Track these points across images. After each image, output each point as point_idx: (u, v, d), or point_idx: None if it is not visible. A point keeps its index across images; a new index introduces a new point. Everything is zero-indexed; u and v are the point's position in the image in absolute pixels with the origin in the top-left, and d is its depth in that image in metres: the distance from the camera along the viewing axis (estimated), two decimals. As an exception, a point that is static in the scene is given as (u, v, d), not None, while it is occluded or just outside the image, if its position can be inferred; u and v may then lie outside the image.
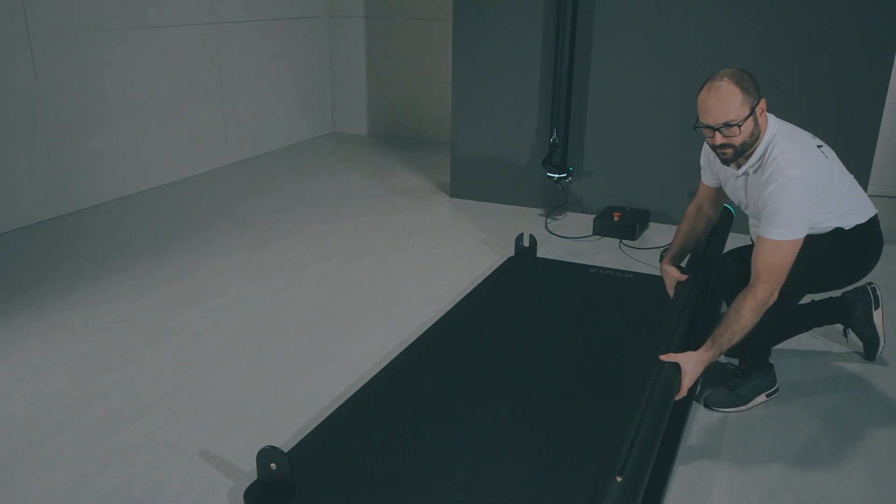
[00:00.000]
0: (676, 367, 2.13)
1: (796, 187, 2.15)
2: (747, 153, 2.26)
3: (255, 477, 1.97)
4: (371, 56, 6.38)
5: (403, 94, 6.35)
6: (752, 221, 2.48)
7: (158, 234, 3.97)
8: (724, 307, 2.78)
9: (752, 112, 2.17)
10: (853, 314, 2.72)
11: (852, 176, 2.39)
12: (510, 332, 2.88)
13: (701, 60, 3.90)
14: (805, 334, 2.89)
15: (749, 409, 2.45)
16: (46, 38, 3.98)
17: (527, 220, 4.30)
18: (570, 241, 3.98)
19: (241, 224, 4.17)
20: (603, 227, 4.04)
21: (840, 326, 2.86)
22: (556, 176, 4.25)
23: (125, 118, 4.53)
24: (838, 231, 2.35)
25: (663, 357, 2.16)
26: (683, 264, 2.79)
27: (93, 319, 2.99)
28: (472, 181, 4.65)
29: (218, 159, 5.37)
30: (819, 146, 2.28)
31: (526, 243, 3.61)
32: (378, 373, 2.54)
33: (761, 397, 2.50)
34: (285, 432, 2.26)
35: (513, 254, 3.66)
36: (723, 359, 2.56)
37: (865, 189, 3.82)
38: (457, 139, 4.62)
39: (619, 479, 1.63)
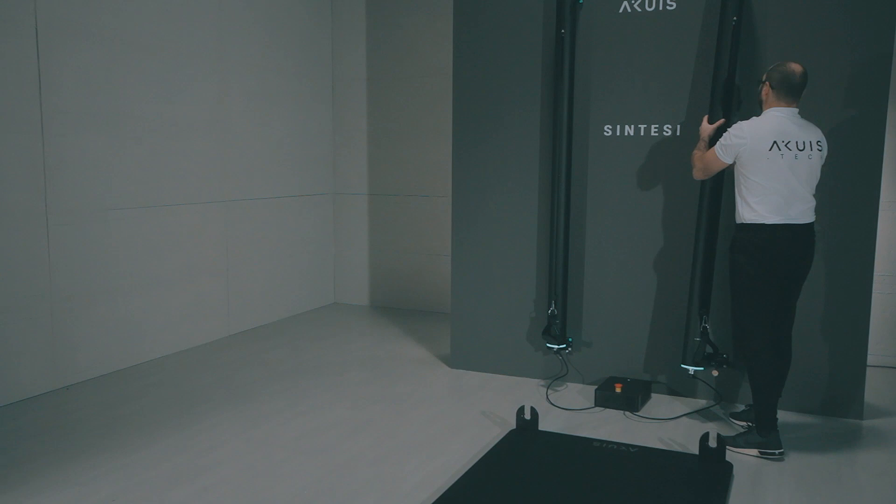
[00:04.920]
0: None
1: (736, 130, 3.33)
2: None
3: None
4: (373, 230, 6.62)
5: (404, 266, 6.52)
6: None
7: (154, 408, 3.92)
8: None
9: (760, 88, 3.42)
10: None
11: (803, 195, 3.30)
12: (513, 511, 2.77)
13: (690, 232, 4.06)
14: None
15: (740, 453, 3.35)
16: (63, 216, 4.16)
17: (527, 392, 4.26)
18: (572, 412, 3.93)
19: (240, 396, 4.13)
20: (604, 398, 4.00)
21: None
22: (556, 347, 4.27)
23: (131, 290, 4.63)
24: (738, 228, 3.41)
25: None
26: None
27: (81, 500, 2.88)
28: (472, 352, 4.66)
29: (220, 330, 5.42)
30: (786, 142, 3.25)
31: (527, 416, 3.56)
32: (376, 556, 2.43)
33: (753, 450, 3.35)
34: None
35: (514, 426, 3.60)
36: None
37: (865, 359, 3.84)
38: (457, 310, 4.69)
39: None
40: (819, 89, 3.77)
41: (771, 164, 3.26)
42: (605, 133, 4.23)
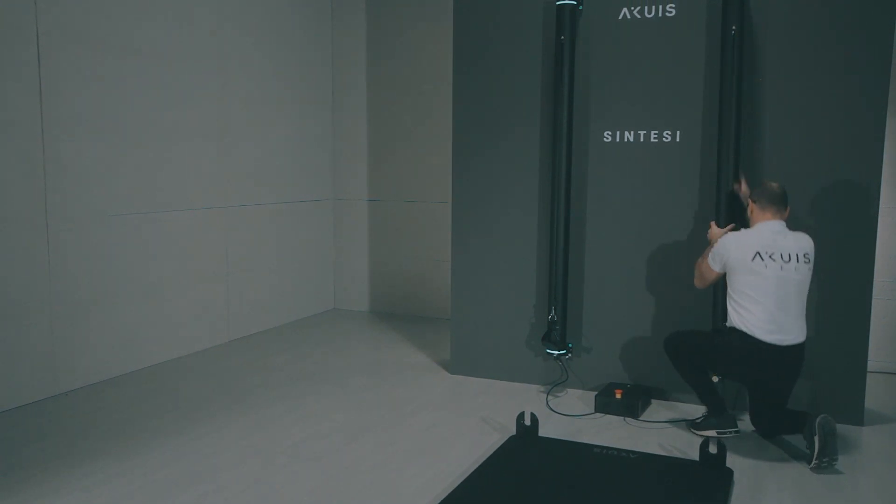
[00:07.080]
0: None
1: (722, 240, 3.51)
2: None
3: None
4: (373, 236, 6.62)
5: (404, 271, 6.52)
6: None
7: (154, 414, 3.92)
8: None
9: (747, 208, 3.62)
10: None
11: (786, 313, 3.37)
12: (513, 517, 2.77)
13: (692, 244, 4.06)
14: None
15: (702, 434, 3.59)
16: (63, 222, 4.17)
17: (527, 397, 4.26)
18: (572, 419, 3.93)
19: (240, 402, 4.13)
20: (605, 404, 4.00)
21: None
22: (556, 352, 4.27)
23: (130, 296, 4.63)
24: (729, 329, 3.50)
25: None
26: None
27: (80, 504, 2.88)
28: (472, 358, 4.66)
29: (221, 336, 5.41)
30: (770, 253, 3.36)
31: (527, 422, 3.56)
32: (375, 563, 2.42)
33: (711, 432, 3.61)
34: None
35: (514, 432, 3.60)
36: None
37: (865, 365, 3.84)
38: (457, 316, 4.68)
39: None
40: (819, 94, 3.78)
41: (757, 276, 3.37)
42: (605, 139, 4.24)
